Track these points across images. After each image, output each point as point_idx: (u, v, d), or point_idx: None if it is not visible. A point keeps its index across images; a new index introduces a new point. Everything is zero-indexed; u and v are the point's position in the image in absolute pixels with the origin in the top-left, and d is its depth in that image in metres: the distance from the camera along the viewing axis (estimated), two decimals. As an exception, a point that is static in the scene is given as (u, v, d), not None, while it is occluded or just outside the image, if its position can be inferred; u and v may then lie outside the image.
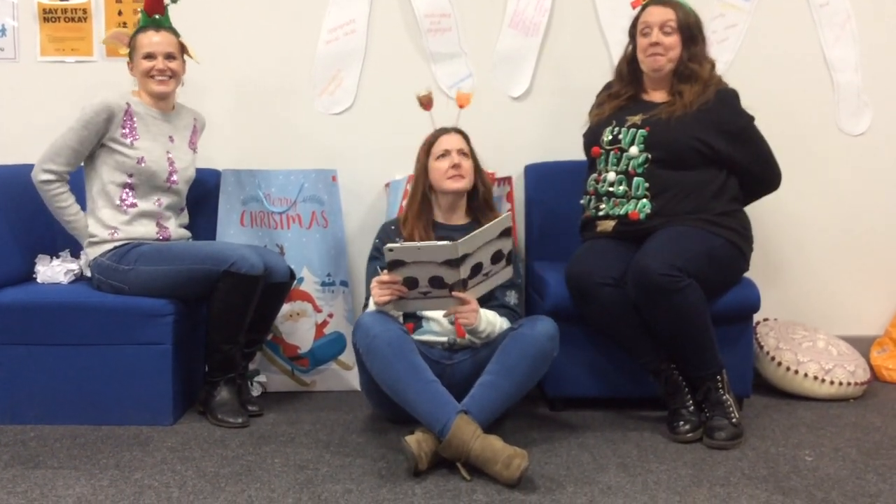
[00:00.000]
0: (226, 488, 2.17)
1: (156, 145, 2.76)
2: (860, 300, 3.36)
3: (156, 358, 2.64)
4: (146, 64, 2.74)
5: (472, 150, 2.68)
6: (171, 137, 2.82)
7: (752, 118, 2.73)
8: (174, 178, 2.79)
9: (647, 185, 2.63)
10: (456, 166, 2.60)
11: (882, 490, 2.16)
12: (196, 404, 2.77)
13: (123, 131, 2.71)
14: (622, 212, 2.66)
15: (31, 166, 2.75)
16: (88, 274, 2.81)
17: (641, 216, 2.62)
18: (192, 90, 3.02)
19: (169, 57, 2.76)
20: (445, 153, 2.62)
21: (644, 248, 2.52)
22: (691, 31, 2.69)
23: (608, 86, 2.91)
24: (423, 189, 2.66)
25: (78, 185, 2.80)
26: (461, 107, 2.82)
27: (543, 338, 2.41)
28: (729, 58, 3.24)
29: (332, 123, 3.30)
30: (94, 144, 2.71)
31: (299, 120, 3.29)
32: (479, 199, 2.68)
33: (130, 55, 2.79)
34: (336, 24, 3.26)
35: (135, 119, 2.73)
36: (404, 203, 3.03)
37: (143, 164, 2.71)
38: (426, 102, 2.83)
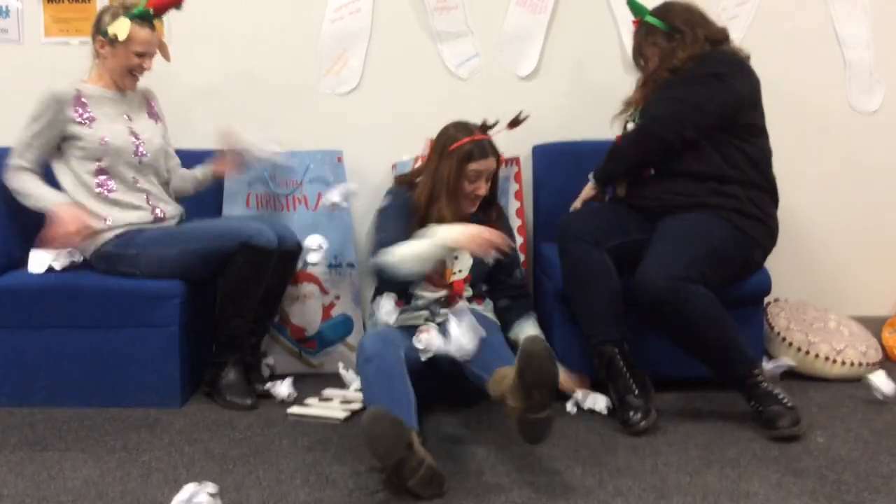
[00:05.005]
0: (234, 470, 2.16)
1: (114, 124, 2.72)
2: (872, 280, 3.33)
3: (163, 340, 2.64)
4: (135, 60, 2.69)
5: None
6: (127, 115, 2.78)
7: (714, 75, 2.59)
8: (142, 150, 2.75)
9: None
10: (479, 196, 2.53)
11: (894, 471, 2.14)
12: (203, 385, 2.76)
13: (77, 117, 2.67)
14: None
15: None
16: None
17: (651, 171, 2.64)
18: (196, 70, 3.00)
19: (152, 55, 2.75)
20: (476, 177, 2.50)
21: (645, 257, 2.46)
22: (643, 54, 2.74)
23: None
24: (455, 185, 2.50)
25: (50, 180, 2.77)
26: (509, 129, 2.59)
27: None
28: (739, 35, 3.19)
29: (338, 104, 3.27)
30: (54, 136, 2.67)
31: (305, 100, 3.26)
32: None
33: (110, 35, 2.66)
34: (341, 2, 3.22)
35: (87, 103, 2.69)
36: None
37: (106, 144, 2.67)
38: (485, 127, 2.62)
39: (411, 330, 2.49)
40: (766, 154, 2.66)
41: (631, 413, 2.42)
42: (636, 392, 2.47)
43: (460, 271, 2.56)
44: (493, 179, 2.61)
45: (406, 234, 2.45)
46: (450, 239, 2.33)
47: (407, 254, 2.36)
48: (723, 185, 2.56)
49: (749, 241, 2.57)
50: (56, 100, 2.65)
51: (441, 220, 2.46)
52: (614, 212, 2.69)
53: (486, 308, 2.66)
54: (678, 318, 2.39)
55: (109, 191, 2.70)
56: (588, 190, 2.86)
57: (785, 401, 2.40)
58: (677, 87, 2.61)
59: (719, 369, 2.49)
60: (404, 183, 2.67)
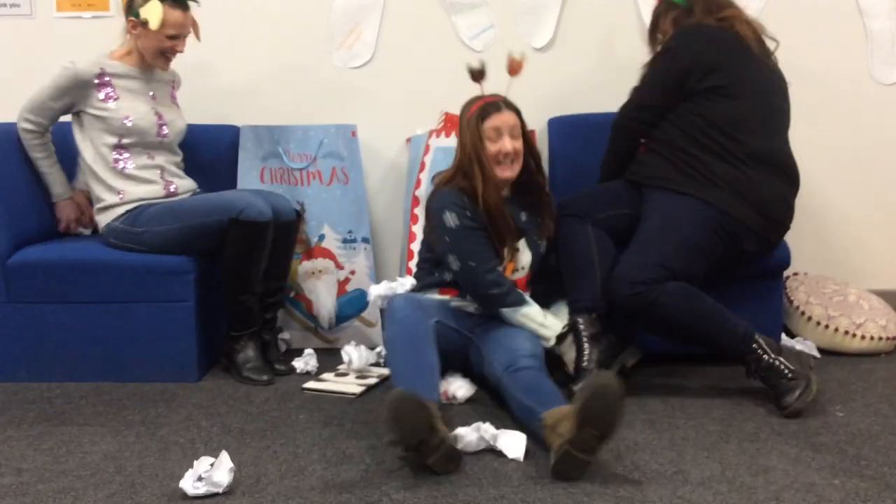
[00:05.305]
0: (251, 444, 2.17)
1: (138, 103, 2.72)
2: (892, 253, 3.29)
3: (180, 315, 2.65)
4: (167, 43, 2.68)
5: (522, 122, 2.50)
6: (152, 95, 2.78)
7: (663, 51, 2.62)
8: (165, 131, 2.76)
9: None
10: (507, 154, 2.44)
11: (915, 445, 2.13)
12: (221, 358, 2.76)
13: (101, 96, 2.67)
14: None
15: (48, 124, 2.76)
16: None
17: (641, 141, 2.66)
18: (208, 46, 2.97)
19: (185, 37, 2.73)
20: (497, 135, 2.43)
21: (619, 260, 2.47)
22: (661, 29, 2.73)
23: None
24: (480, 151, 2.43)
25: (67, 155, 2.81)
26: (512, 75, 2.56)
27: None
28: (759, 5, 3.14)
29: (352, 77, 3.25)
30: (68, 107, 2.69)
31: (318, 74, 3.24)
32: (527, 172, 2.53)
33: (142, 19, 2.63)
34: (354, -26, 3.19)
35: (112, 81, 2.68)
36: (426, 158, 2.98)
37: (129, 123, 2.67)
38: (478, 76, 2.55)
39: (460, 312, 2.48)
40: (737, 120, 2.50)
41: (573, 385, 2.39)
42: (586, 362, 2.43)
43: (522, 268, 2.54)
44: (531, 154, 2.52)
45: (486, 241, 2.43)
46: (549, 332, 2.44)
47: (525, 322, 2.43)
48: (695, 160, 2.49)
49: (734, 225, 2.45)
50: (79, 80, 2.64)
51: (476, 194, 2.41)
52: (617, 186, 2.69)
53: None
54: (652, 321, 2.40)
55: (125, 166, 2.70)
56: None
57: (787, 374, 2.34)
58: (643, 72, 2.67)
59: (716, 351, 2.47)
60: (446, 182, 2.53)
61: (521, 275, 2.54)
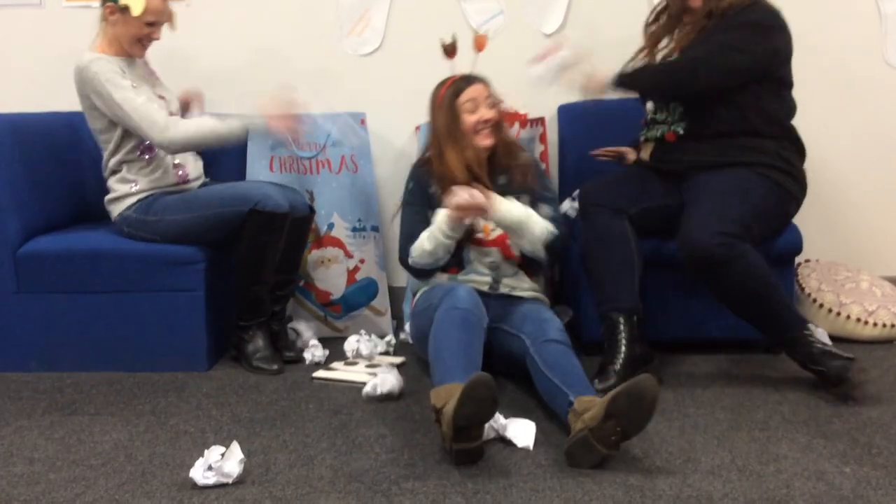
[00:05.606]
0: (261, 433, 2.18)
1: (143, 89, 2.68)
2: (905, 240, 3.27)
3: (189, 304, 2.66)
4: (146, 30, 2.64)
5: (492, 92, 2.54)
6: (145, 80, 2.76)
7: (768, 25, 2.50)
8: (172, 108, 2.76)
9: (681, 109, 2.58)
10: (486, 121, 2.49)
11: (927, 434, 2.11)
12: (230, 348, 2.78)
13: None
14: (659, 133, 2.61)
15: (55, 114, 2.77)
16: None
17: (679, 131, 2.57)
18: (217, 32, 2.98)
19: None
20: (474, 107, 2.48)
21: (687, 216, 2.39)
22: None
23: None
24: (455, 127, 2.48)
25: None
26: (478, 51, 2.66)
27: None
28: (771, -12, 3.11)
29: (361, 65, 3.24)
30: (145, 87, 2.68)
31: (327, 62, 3.23)
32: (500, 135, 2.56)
33: (120, 4, 2.60)
34: (362, -39, 3.17)
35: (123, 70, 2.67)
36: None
37: None
38: (451, 50, 2.68)
39: (483, 297, 2.44)
40: (792, 107, 2.60)
41: (596, 380, 2.36)
42: (618, 366, 2.39)
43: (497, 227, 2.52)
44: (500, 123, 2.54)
45: (426, 219, 2.48)
46: (438, 220, 2.40)
47: (418, 251, 2.46)
48: (754, 140, 2.51)
49: (786, 196, 2.54)
50: (112, 62, 2.62)
51: (450, 169, 2.45)
52: (640, 177, 2.65)
53: (539, 284, 2.65)
54: (730, 277, 2.32)
55: (147, 156, 2.70)
56: (596, 78, 2.61)
57: (844, 354, 2.34)
58: (718, 33, 2.50)
59: (771, 330, 2.42)
60: (421, 161, 2.63)
61: (500, 231, 2.52)
